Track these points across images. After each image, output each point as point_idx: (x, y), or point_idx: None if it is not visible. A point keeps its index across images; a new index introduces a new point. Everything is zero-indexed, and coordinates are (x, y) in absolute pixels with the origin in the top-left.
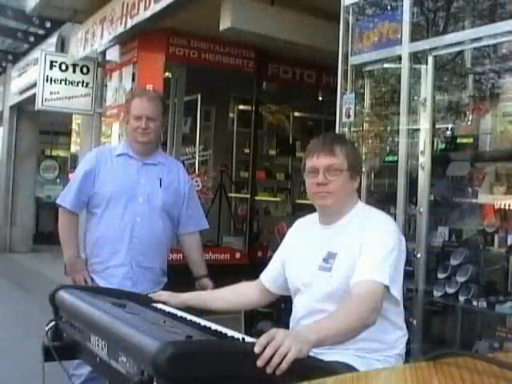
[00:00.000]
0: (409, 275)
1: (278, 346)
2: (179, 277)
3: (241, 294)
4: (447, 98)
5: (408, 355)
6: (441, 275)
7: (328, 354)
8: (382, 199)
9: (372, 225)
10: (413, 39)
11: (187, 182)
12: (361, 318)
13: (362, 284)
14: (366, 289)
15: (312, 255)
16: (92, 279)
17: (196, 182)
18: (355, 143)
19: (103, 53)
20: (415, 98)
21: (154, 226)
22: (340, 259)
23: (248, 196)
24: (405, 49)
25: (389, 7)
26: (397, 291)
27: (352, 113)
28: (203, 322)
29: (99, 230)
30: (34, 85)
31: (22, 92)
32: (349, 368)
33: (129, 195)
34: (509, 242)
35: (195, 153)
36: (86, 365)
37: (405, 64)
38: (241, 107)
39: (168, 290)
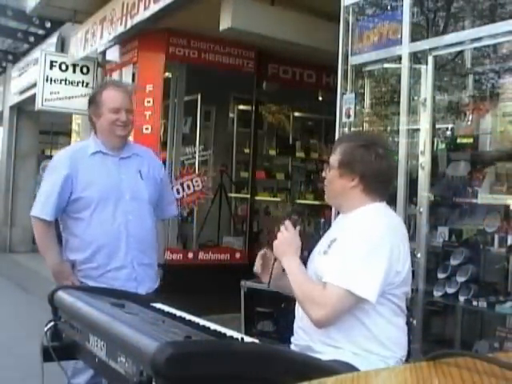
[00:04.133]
0: None
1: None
2: (179, 277)
3: None
4: (447, 98)
5: (408, 355)
6: (441, 275)
7: (326, 354)
8: None
9: (354, 227)
10: (413, 39)
11: (161, 168)
12: (311, 307)
13: (329, 286)
14: (330, 293)
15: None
16: (82, 284)
17: (196, 181)
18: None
19: (103, 53)
20: (415, 98)
21: (144, 220)
22: (335, 245)
23: (248, 196)
24: (405, 49)
25: (389, 7)
26: (368, 292)
27: (352, 113)
28: (202, 322)
29: (90, 235)
30: (34, 85)
31: (22, 92)
32: (348, 366)
33: (116, 194)
34: (509, 242)
35: (195, 153)
36: (83, 373)
37: (405, 64)
38: (241, 107)
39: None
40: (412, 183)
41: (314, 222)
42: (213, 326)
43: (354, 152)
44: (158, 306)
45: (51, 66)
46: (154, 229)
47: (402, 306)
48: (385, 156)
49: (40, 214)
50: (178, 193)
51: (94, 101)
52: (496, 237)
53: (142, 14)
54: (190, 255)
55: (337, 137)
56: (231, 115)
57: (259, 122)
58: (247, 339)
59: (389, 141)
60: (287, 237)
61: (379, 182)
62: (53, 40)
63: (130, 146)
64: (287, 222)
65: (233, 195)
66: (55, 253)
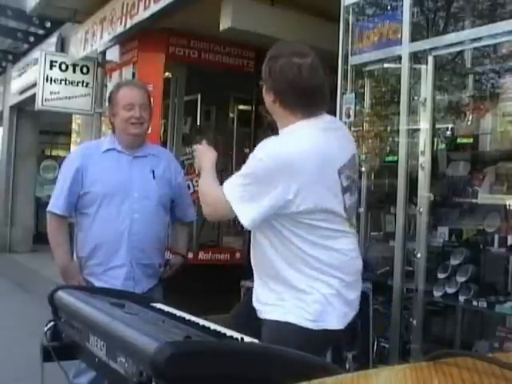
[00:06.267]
0: (409, 275)
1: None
2: (179, 276)
3: None
4: (447, 98)
5: (408, 355)
6: (441, 275)
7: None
8: (382, 199)
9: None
10: (413, 39)
11: (179, 172)
12: (207, 202)
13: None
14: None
15: None
16: (87, 283)
17: (196, 181)
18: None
19: (103, 53)
20: (415, 98)
21: (151, 220)
22: None
23: None
24: (405, 49)
25: (389, 7)
26: (244, 217)
27: (352, 113)
28: (202, 322)
29: (95, 231)
30: (34, 85)
31: (21, 92)
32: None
33: (124, 192)
34: (509, 242)
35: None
36: (85, 374)
37: (405, 64)
38: (241, 107)
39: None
40: (412, 183)
41: None
42: (213, 326)
43: (266, 66)
44: (158, 306)
45: (51, 66)
46: (161, 230)
47: (337, 229)
48: (293, 64)
49: (51, 207)
50: None
51: (110, 101)
52: (496, 237)
53: (142, 14)
54: (190, 255)
55: None
56: (231, 115)
57: (259, 121)
58: (247, 339)
59: (389, 140)
60: (198, 154)
61: (293, 94)
62: (53, 40)
63: (148, 147)
64: (194, 146)
65: None
66: (64, 251)
